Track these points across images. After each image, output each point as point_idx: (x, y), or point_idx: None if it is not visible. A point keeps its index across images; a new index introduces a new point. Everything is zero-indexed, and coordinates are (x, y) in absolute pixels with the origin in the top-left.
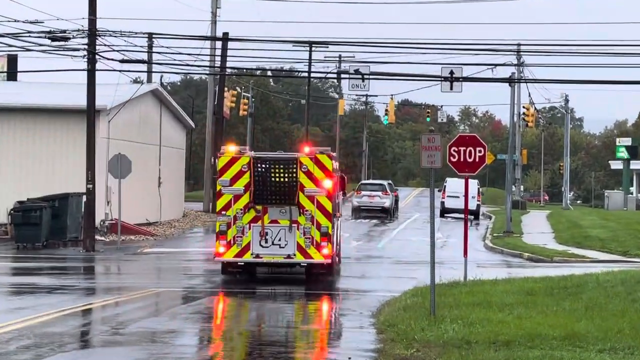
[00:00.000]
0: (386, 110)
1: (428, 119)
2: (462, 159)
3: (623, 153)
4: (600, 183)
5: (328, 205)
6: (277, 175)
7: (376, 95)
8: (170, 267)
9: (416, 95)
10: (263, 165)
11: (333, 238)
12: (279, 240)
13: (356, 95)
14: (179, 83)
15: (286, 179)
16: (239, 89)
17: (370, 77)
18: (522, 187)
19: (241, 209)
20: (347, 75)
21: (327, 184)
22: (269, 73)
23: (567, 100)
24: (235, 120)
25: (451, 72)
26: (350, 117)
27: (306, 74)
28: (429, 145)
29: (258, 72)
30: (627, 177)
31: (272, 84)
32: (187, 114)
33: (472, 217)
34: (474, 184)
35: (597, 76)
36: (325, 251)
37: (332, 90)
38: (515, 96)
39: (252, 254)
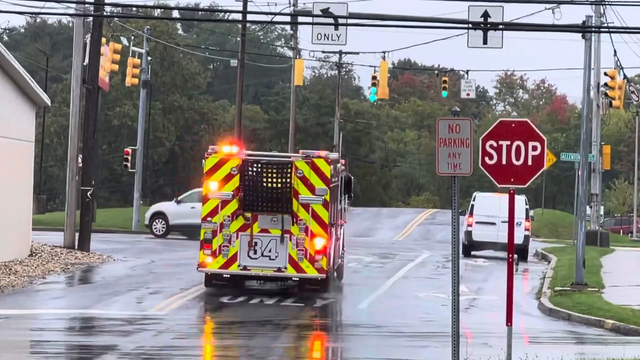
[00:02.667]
0: (374, 79)
1: (445, 94)
2: (504, 162)
3: None
4: None
5: (324, 215)
6: (270, 179)
7: (357, 53)
8: (6, 342)
9: (424, 53)
10: (254, 169)
11: (330, 251)
12: (269, 251)
13: (324, 52)
14: (23, 30)
15: (279, 185)
16: (125, 41)
17: (349, 22)
18: (601, 209)
19: (229, 216)
20: (308, 19)
21: (324, 191)
22: (176, 13)
23: None
24: (119, 94)
25: (485, 15)
26: (313, 90)
27: (238, 15)
28: (452, 138)
29: (157, 12)
30: None
31: (181, 32)
32: (37, 84)
33: (518, 256)
34: (520, 203)
35: None
36: (320, 265)
37: (284, 45)
38: (591, 56)
39: (239, 266)
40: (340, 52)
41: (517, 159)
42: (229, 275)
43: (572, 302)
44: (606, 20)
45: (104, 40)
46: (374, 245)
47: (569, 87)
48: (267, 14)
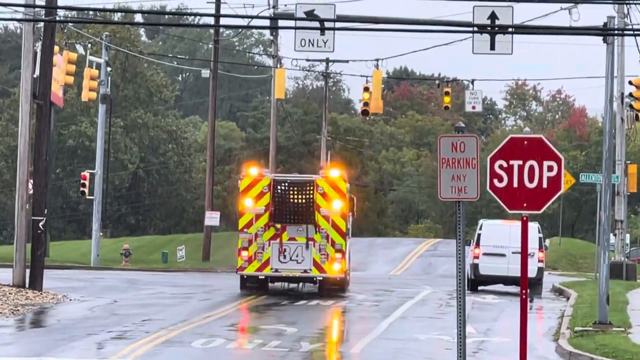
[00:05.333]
0: (366, 90)
1: (447, 107)
2: (515, 184)
3: None
4: None
5: (342, 225)
6: (295, 196)
7: (346, 61)
8: None
9: (423, 61)
10: (282, 187)
11: (347, 256)
12: (297, 256)
13: (309, 61)
14: None
15: (303, 200)
16: (82, 50)
17: (337, 25)
18: (627, 237)
19: (262, 227)
20: (291, 23)
21: (341, 204)
22: (139, 17)
23: None
24: (75, 110)
25: (492, 16)
26: (297, 104)
27: (210, 19)
28: (456, 158)
29: (117, 16)
30: None
31: (144, 39)
32: None
33: (532, 292)
34: (533, 232)
35: None
36: (339, 267)
37: (263, 52)
38: (614, 63)
39: (271, 269)
40: (327, 60)
41: (531, 181)
42: (263, 277)
43: (594, 344)
44: (630, 21)
45: (57, 48)
46: (367, 280)
47: (589, 98)
48: (243, 17)
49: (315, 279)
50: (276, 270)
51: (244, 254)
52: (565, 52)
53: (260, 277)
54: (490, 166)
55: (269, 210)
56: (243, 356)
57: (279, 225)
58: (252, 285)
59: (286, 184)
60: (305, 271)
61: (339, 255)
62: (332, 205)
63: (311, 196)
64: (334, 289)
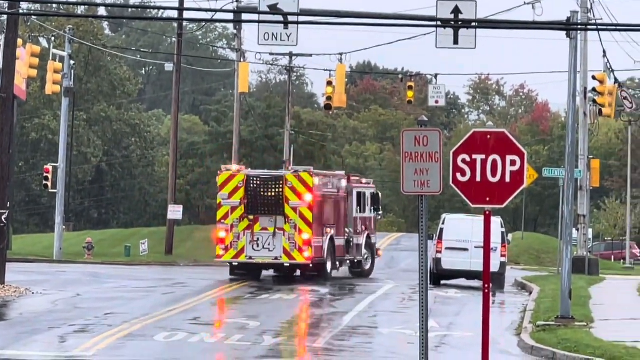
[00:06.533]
0: (329, 83)
1: (411, 101)
2: (478, 178)
3: None
4: None
5: (309, 215)
6: (267, 190)
7: (310, 55)
8: None
9: (387, 55)
10: (255, 182)
11: (323, 245)
12: (268, 244)
13: (272, 55)
14: None
15: (274, 194)
16: (45, 43)
17: (300, 19)
18: (590, 232)
19: (237, 219)
20: (254, 16)
21: (308, 197)
22: (102, 11)
23: None
24: (38, 103)
25: (456, 11)
26: (260, 98)
27: (174, 13)
28: (418, 152)
29: (81, 9)
30: None
31: (108, 32)
32: None
33: (494, 286)
34: (496, 226)
35: None
36: (307, 254)
37: (226, 46)
38: (577, 58)
39: (246, 256)
40: (291, 54)
41: (494, 175)
42: (237, 263)
43: (557, 339)
44: (594, 16)
45: (20, 42)
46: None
47: (552, 93)
48: (206, 10)
49: (283, 264)
50: (250, 258)
51: (221, 243)
52: (529, 47)
53: (234, 264)
54: (453, 160)
55: (243, 203)
56: (205, 350)
57: (252, 217)
58: (240, 272)
59: (258, 179)
60: (276, 258)
61: (306, 243)
62: (300, 198)
63: (281, 190)
64: (310, 275)
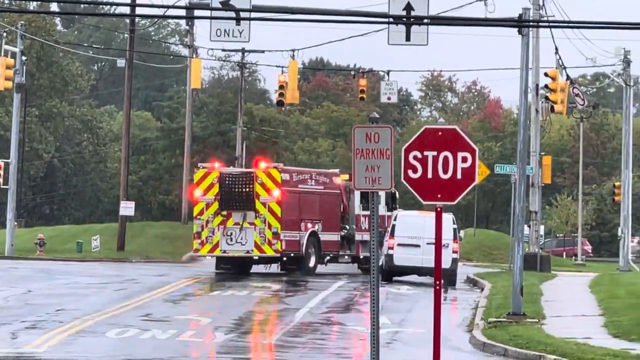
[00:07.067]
0: (281, 80)
1: (363, 98)
2: (429, 175)
3: None
4: None
5: (277, 210)
6: (238, 187)
7: (262, 52)
8: None
9: (339, 52)
10: (227, 179)
11: (302, 239)
12: (241, 239)
13: (225, 51)
14: None
15: (245, 190)
16: None
17: (252, 16)
18: (542, 229)
19: (212, 214)
20: (206, 12)
21: (276, 192)
22: (54, 7)
23: (627, 63)
24: None
25: (408, 7)
26: (212, 94)
27: (126, 9)
28: (370, 148)
29: (33, 5)
30: None
31: (60, 28)
32: None
33: (446, 283)
34: (448, 222)
35: None
36: (276, 247)
37: (179, 42)
38: (529, 54)
39: (221, 250)
40: (243, 51)
41: (445, 172)
42: (212, 257)
43: (508, 335)
44: (546, 13)
45: None
46: (281, 272)
47: (504, 89)
48: (159, 7)
49: (253, 257)
50: (224, 252)
51: (198, 238)
52: (481, 44)
53: (209, 257)
54: (404, 157)
55: (217, 199)
56: (157, 346)
57: (225, 212)
58: (225, 266)
59: (231, 176)
60: (247, 252)
61: (275, 236)
62: (269, 194)
63: (251, 186)
64: (290, 269)
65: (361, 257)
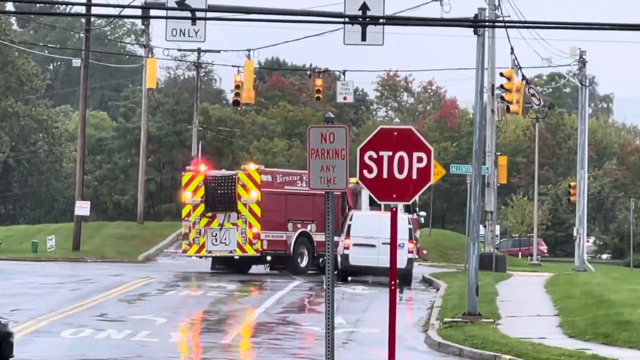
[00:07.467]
0: (237, 80)
1: (319, 98)
2: (385, 175)
3: None
4: None
5: (258, 211)
6: (222, 188)
7: (218, 51)
8: None
9: (295, 52)
10: (212, 181)
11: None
12: (225, 239)
13: (180, 51)
14: None
15: (228, 192)
16: None
17: (208, 15)
18: (497, 229)
19: (198, 216)
20: (162, 12)
21: (255, 193)
22: (10, 6)
23: (583, 63)
24: None
25: (363, 7)
26: (168, 94)
27: (82, 8)
28: (325, 148)
29: None
30: None
31: (16, 27)
32: None
33: (401, 283)
34: (403, 222)
35: (637, 18)
36: (256, 247)
37: (135, 42)
38: (485, 54)
39: (207, 251)
40: (199, 50)
41: (400, 172)
42: (199, 257)
43: (464, 335)
44: (502, 13)
45: None
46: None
47: (460, 89)
48: (114, 6)
49: (234, 257)
50: (210, 252)
51: (186, 239)
52: (437, 44)
53: (195, 257)
54: (360, 157)
55: (203, 201)
56: (112, 346)
57: (210, 214)
58: (220, 267)
59: (215, 179)
60: (231, 252)
61: (256, 236)
62: (250, 195)
63: (234, 188)
64: (280, 268)
65: None
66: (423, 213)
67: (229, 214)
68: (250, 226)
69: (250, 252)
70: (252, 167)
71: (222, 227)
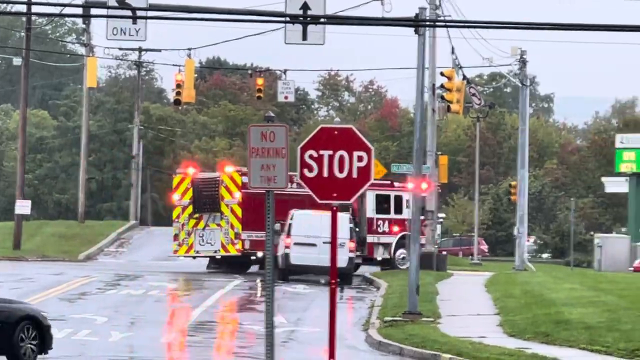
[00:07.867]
0: (178, 79)
1: (260, 97)
2: (325, 174)
3: (629, 165)
4: (588, 220)
5: (239, 211)
6: (208, 190)
7: (159, 50)
8: None
9: (236, 51)
10: (199, 183)
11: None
12: (210, 239)
13: (121, 50)
14: None
15: (212, 193)
16: None
17: (149, 14)
18: (438, 228)
19: (187, 217)
20: (103, 11)
21: (237, 195)
22: None
23: (523, 63)
24: None
25: (304, 7)
26: (109, 93)
27: (22, 7)
28: (265, 147)
29: None
30: (636, 208)
31: None
32: None
33: (342, 282)
34: (344, 221)
35: (577, 18)
36: (238, 247)
37: (75, 41)
38: (425, 54)
39: (195, 251)
40: (140, 50)
41: (341, 171)
42: (191, 257)
43: (404, 334)
44: (443, 13)
45: None
46: (179, 270)
47: (400, 89)
48: (55, 5)
49: (216, 256)
50: (198, 252)
51: (176, 240)
52: (379, 43)
53: (187, 256)
54: (300, 156)
55: (191, 203)
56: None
57: (197, 215)
58: (216, 266)
59: (201, 181)
60: (215, 252)
61: (237, 236)
62: (232, 196)
63: (217, 190)
64: (233, 264)
65: (379, 258)
66: (442, 215)
67: (214, 215)
68: (232, 226)
69: (233, 251)
70: (230, 169)
71: (207, 227)
